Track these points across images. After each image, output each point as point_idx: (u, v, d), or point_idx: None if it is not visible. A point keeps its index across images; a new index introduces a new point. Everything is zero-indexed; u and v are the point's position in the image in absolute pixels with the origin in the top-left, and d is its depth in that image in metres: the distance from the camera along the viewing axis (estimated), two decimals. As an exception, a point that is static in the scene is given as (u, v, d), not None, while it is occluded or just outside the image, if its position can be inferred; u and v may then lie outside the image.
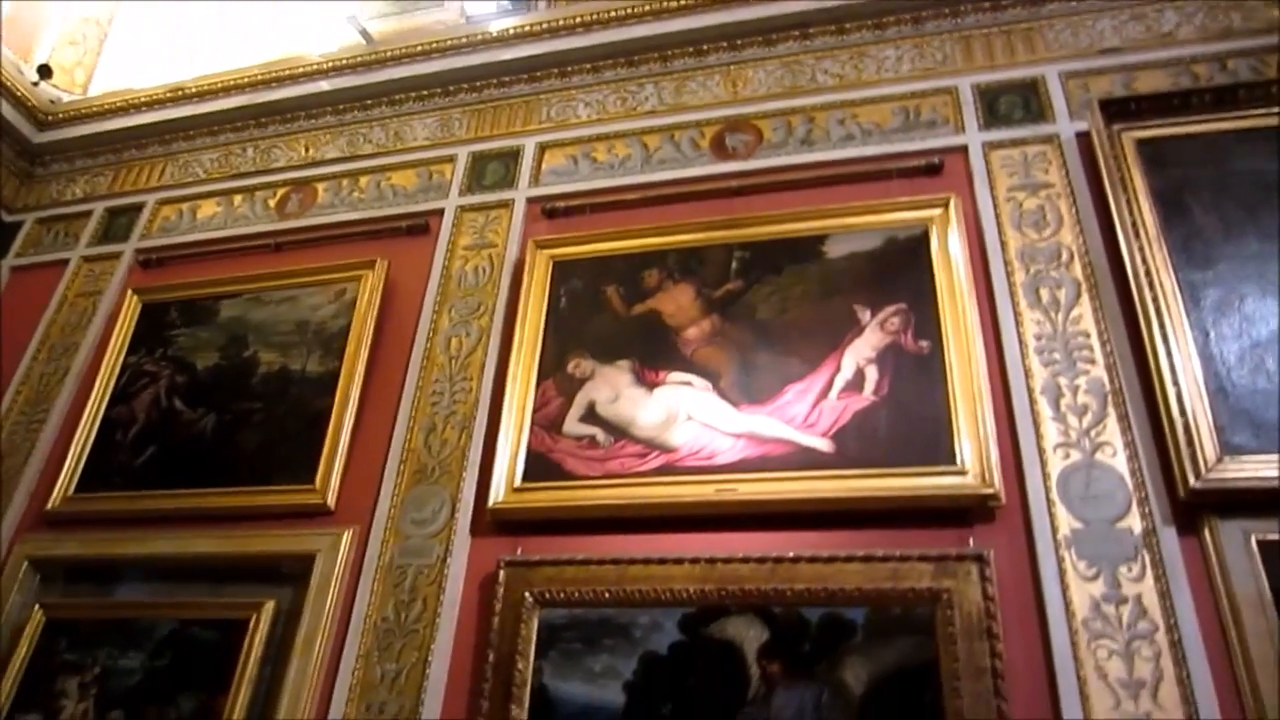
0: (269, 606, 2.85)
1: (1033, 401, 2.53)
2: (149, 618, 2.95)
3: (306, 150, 3.98)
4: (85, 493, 3.26)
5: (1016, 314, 2.67)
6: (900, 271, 2.83)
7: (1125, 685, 2.15)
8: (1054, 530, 2.35)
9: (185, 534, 3.06)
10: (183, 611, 2.94)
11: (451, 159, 3.68)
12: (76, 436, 3.39)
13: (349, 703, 2.61)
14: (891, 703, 2.25)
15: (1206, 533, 2.26)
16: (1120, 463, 2.40)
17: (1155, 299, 2.50)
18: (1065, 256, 2.73)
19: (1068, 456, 2.44)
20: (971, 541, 2.38)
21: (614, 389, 2.86)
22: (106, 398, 3.46)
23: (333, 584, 2.82)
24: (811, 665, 2.34)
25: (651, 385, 2.85)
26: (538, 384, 2.94)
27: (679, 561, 2.54)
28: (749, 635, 2.42)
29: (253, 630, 2.81)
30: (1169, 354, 2.42)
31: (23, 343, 3.79)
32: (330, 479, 2.99)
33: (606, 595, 2.55)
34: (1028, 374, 2.58)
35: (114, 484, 3.25)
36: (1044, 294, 2.69)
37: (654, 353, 2.90)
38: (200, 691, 2.75)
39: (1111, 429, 2.45)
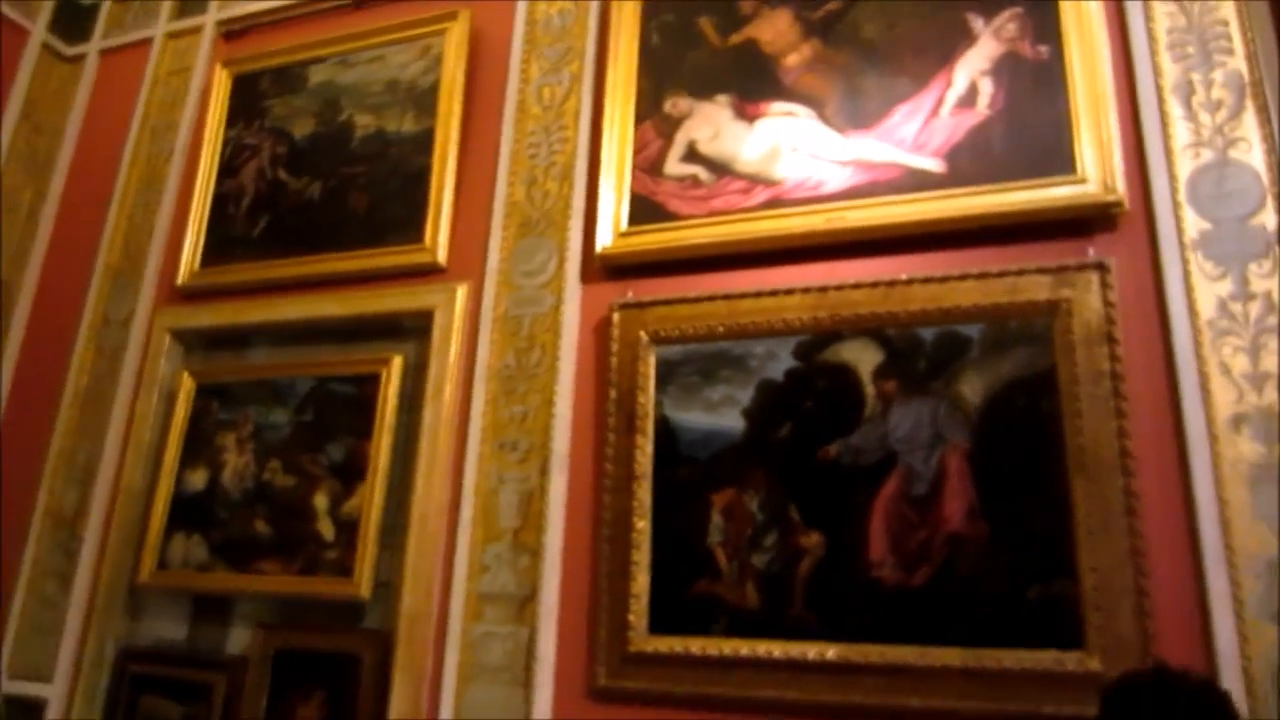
0: (397, 361, 3.01)
1: (1161, 101, 2.39)
2: (289, 377, 3.16)
3: (370, -101, 3.77)
4: (211, 266, 3.42)
5: (1146, 6, 2.47)
6: (1017, -29, 2.62)
7: (1250, 379, 2.15)
8: (1180, 233, 2.28)
9: (309, 298, 3.21)
10: (318, 369, 3.13)
11: (522, -109, 3.45)
12: (192, 213, 3.51)
13: (482, 442, 2.80)
14: (1009, 411, 2.30)
15: (1347, 222, 2.17)
16: (1256, 158, 2.28)
17: (1310, -28, 2.28)
18: (1205, -65, 2.48)
19: (1198, 156, 2.32)
20: (1091, 251, 2.33)
21: (713, 125, 2.79)
22: (214, 173, 3.54)
23: (453, 337, 2.94)
24: (927, 382, 2.39)
25: (752, 118, 2.77)
26: (635, 127, 2.88)
27: (790, 292, 2.56)
28: (863, 358, 2.48)
29: (385, 383, 2.99)
30: (1322, 31, 2.23)
31: (123, 127, 3.86)
32: (438, 236, 3.06)
33: (720, 329, 2.61)
34: (1157, 72, 2.41)
35: (236, 255, 3.39)
36: (1179, -19, 2.47)
37: (753, 84, 2.80)
38: (347, 438, 2.98)
39: (1248, 123, 2.31)
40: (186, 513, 3.13)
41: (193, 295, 3.45)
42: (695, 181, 2.77)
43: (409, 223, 3.11)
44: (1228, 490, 2.11)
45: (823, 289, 2.53)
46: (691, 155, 2.80)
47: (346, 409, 3.02)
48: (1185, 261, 2.26)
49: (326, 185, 3.33)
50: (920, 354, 2.42)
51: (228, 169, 3.54)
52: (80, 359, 3.56)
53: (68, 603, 3.19)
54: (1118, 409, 2.20)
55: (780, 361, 2.54)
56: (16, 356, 3.74)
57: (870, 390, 2.44)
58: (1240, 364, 2.17)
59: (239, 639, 3.00)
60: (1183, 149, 2.34)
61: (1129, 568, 2.10)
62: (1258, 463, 2.11)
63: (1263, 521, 2.08)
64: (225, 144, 3.56)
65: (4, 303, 3.76)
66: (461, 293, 2.98)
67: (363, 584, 2.79)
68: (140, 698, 2.99)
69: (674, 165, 2.81)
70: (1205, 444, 2.15)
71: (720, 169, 2.75)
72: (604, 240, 2.80)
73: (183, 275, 3.46)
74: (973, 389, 2.35)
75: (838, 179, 2.61)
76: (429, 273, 3.07)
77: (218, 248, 3.45)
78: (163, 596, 3.14)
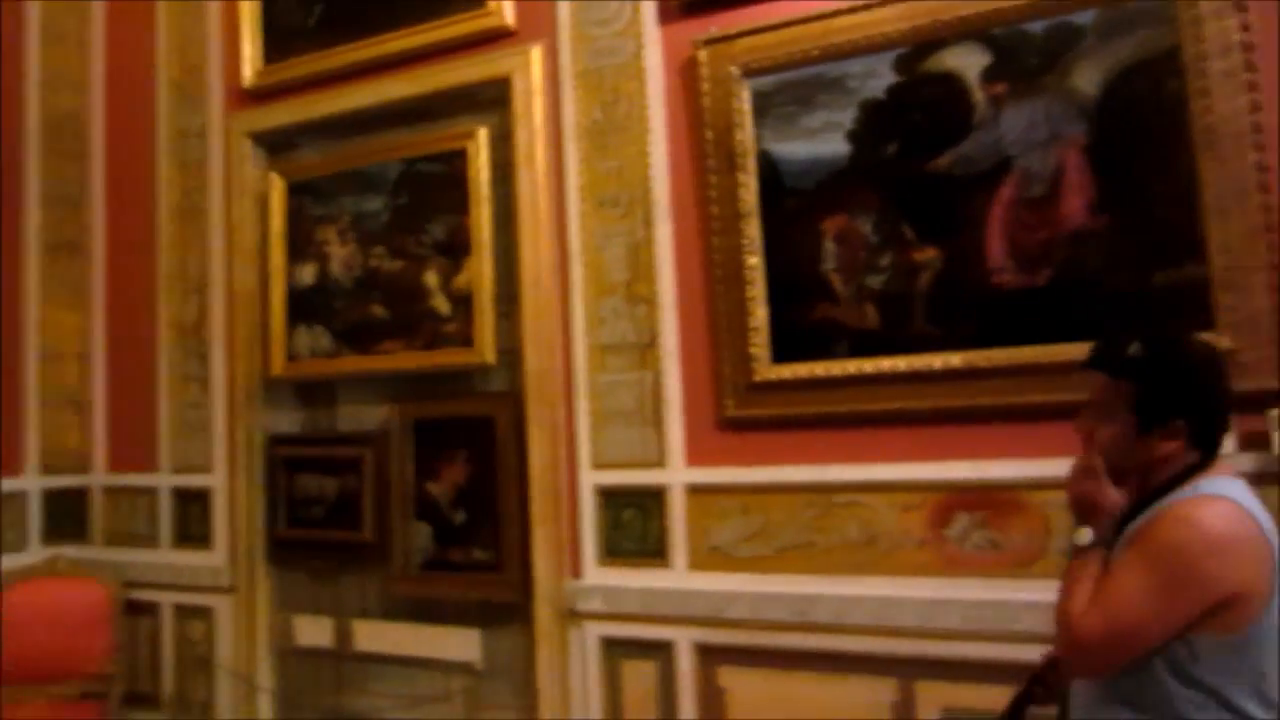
0: (482, 133, 2.98)
1: None
2: (376, 163, 3.16)
3: None
4: (274, 63, 3.35)
5: None
6: None
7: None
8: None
9: (381, 81, 3.15)
10: (404, 152, 3.12)
11: None
12: (243, 12, 3.41)
13: (582, 201, 2.81)
14: (1128, 98, 2.21)
15: None
16: None
17: None
18: None
19: None
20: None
21: None
22: (257, -35, 3.41)
23: (534, 100, 2.89)
24: (1039, 79, 2.30)
25: None
26: None
27: (885, 2, 2.44)
28: (969, 62, 2.38)
29: (473, 156, 2.98)
30: None
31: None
32: (503, -3, 2.95)
33: (814, 53, 2.51)
34: None
35: (297, 49, 3.31)
36: None
37: None
38: (446, 216, 3.01)
39: None
40: (303, 306, 3.25)
41: (262, 95, 3.40)
42: (774, -107, 2.58)
43: (470, -12, 2.99)
44: (1363, 150, 2.04)
45: (921, -4, 2.40)
46: None
47: (440, 187, 3.03)
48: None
49: (376, -40, 3.19)
50: (1030, 50, 2.32)
51: (269, -42, 3.40)
52: (166, 175, 3.60)
53: (209, 401, 3.40)
54: (1249, 82, 2.10)
55: (881, 78, 2.46)
56: (104, 180, 3.78)
57: (979, 95, 2.36)
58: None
59: (373, 416, 3.18)
60: None
61: (1261, 244, 2.08)
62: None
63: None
64: (259, -71, 3.40)
65: (80, 131, 3.77)
66: (536, 54, 2.90)
67: (486, 351, 2.90)
68: (295, 476, 3.23)
69: (747, -120, 2.61)
70: (1341, 104, 2.06)
71: (801, -123, 2.55)
72: (679, -25, 2.67)
73: (248, 77, 3.41)
74: (1088, 79, 2.25)
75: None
76: (499, 37, 2.97)
77: (277, 44, 3.37)
78: (296, 385, 3.32)
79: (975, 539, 2.31)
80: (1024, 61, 2.32)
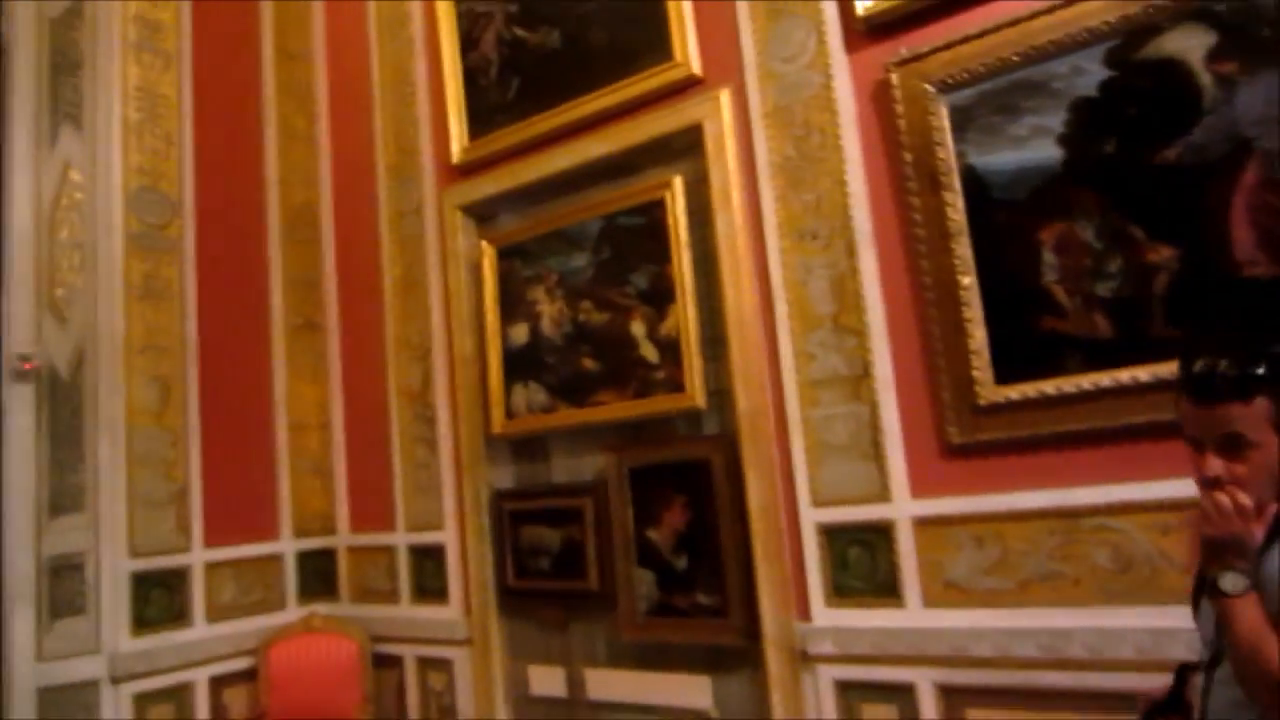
0: (677, 181, 3.04)
1: None
2: (577, 222, 3.28)
3: None
4: (478, 139, 3.57)
5: None
6: None
7: None
8: None
9: (578, 143, 3.28)
10: (604, 208, 3.22)
11: None
12: (448, 95, 3.66)
13: (781, 237, 2.80)
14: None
15: None
16: None
17: None
18: None
19: None
20: None
21: None
22: (457, 51, 3.65)
23: (726, 143, 2.92)
24: (1275, 51, 2.10)
25: None
26: None
27: (1086, -4, 2.32)
28: (1191, 45, 2.21)
29: (670, 205, 3.05)
30: None
31: (361, 31, 4.08)
32: (687, 47, 3.02)
33: (1014, 58, 2.41)
34: None
35: (498, 123, 3.52)
36: None
37: None
38: (648, 265, 3.08)
39: None
40: (518, 365, 3.40)
41: (469, 170, 3.63)
42: (959, -96, 2.52)
43: (655, 42, 3.08)
44: None
45: (1130, -15, 2.26)
46: (946, -122, 2.54)
47: (640, 238, 3.11)
48: None
49: (564, 31, 3.35)
50: (1261, 21, 2.13)
51: (468, 43, 3.64)
52: (388, 253, 3.90)
53: (438, 462, 3.60)
54: None
55: (1090, 75, 2.33)
56: (335, 262, 4.14)
57: (1206, 78, 2.18)
58: None
59: (584, 466, 3.26)
60: None
61: None
62: None
63: None
64: (459, 18, 3.65)
65: (313, 220, 4.17)
66: (725, 97, 2.94)
67: (696, 395, 2.92)
68: (520, 528, 3.35)
69: (928, -105, 2.57)
70: None
71: (982, -116, 2.49)
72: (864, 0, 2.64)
73: (456, 154, 3.64)
74: (1345, 40, 2.04)
75: None
76: (687, 86, 3.04)
77: (480, 120, 3.59)
78: (510, 441, 3.46)
79: (1251, 561, 2.08)
80: (1255, 35, 2.13)
